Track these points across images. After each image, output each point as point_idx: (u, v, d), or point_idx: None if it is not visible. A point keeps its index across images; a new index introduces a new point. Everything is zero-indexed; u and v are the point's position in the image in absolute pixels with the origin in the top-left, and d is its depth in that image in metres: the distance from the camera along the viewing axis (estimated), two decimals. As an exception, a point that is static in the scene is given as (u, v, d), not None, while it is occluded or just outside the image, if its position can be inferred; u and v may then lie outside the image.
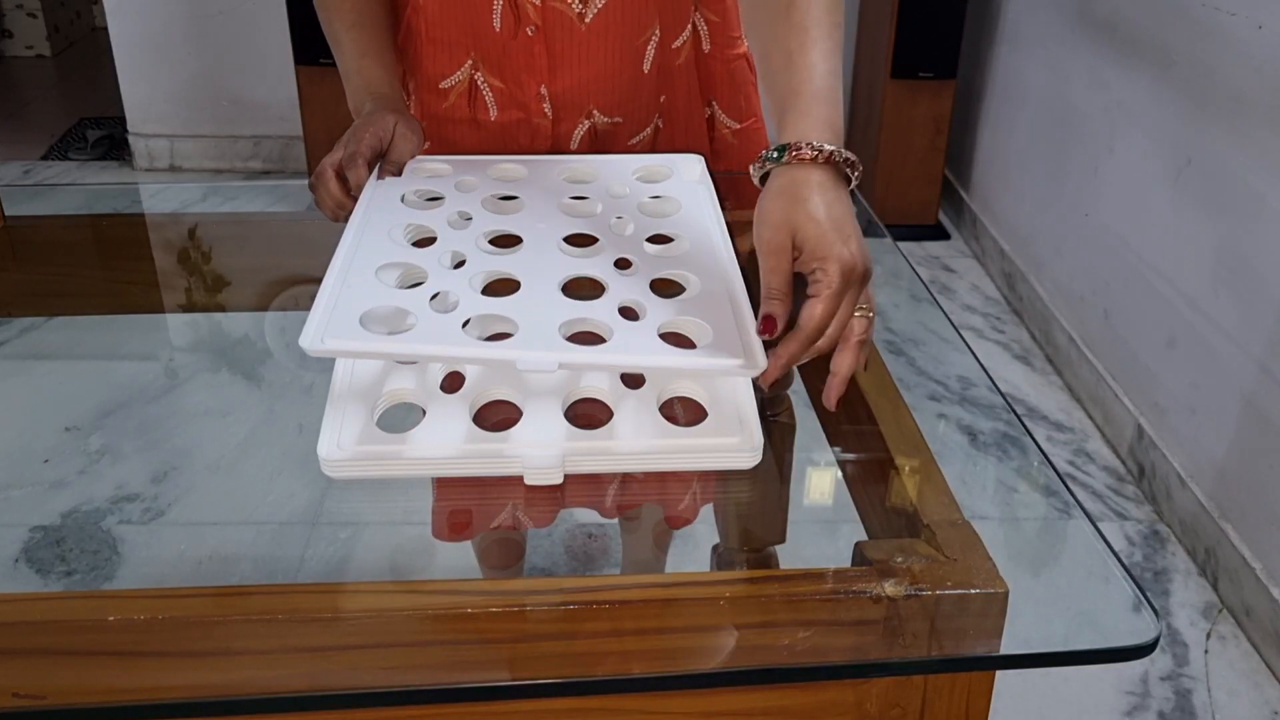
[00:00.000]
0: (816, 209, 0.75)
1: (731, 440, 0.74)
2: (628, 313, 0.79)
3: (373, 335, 0.72)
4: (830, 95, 0.81)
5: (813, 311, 0.73)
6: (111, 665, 0.65)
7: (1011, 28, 2.84)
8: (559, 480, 0.73)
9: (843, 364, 0.76)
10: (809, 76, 0.81)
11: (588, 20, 1.02)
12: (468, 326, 0.75)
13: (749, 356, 0.74)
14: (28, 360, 1.12)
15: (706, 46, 1.11)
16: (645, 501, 1.22)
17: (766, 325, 0.74)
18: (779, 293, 0.75)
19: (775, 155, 0.78)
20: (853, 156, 0.78)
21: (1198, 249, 1.95)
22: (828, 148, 0.77)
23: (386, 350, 0.73)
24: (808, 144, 0.77)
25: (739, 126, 1.17)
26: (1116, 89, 2.26)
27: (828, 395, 0.76)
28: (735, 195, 1.13)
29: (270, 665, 0.65)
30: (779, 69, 0.83)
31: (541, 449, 0.72)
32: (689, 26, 1.09)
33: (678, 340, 0.78)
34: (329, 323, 0.73)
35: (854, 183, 0.79)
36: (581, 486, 1.01)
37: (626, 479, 0.99)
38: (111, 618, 0.64)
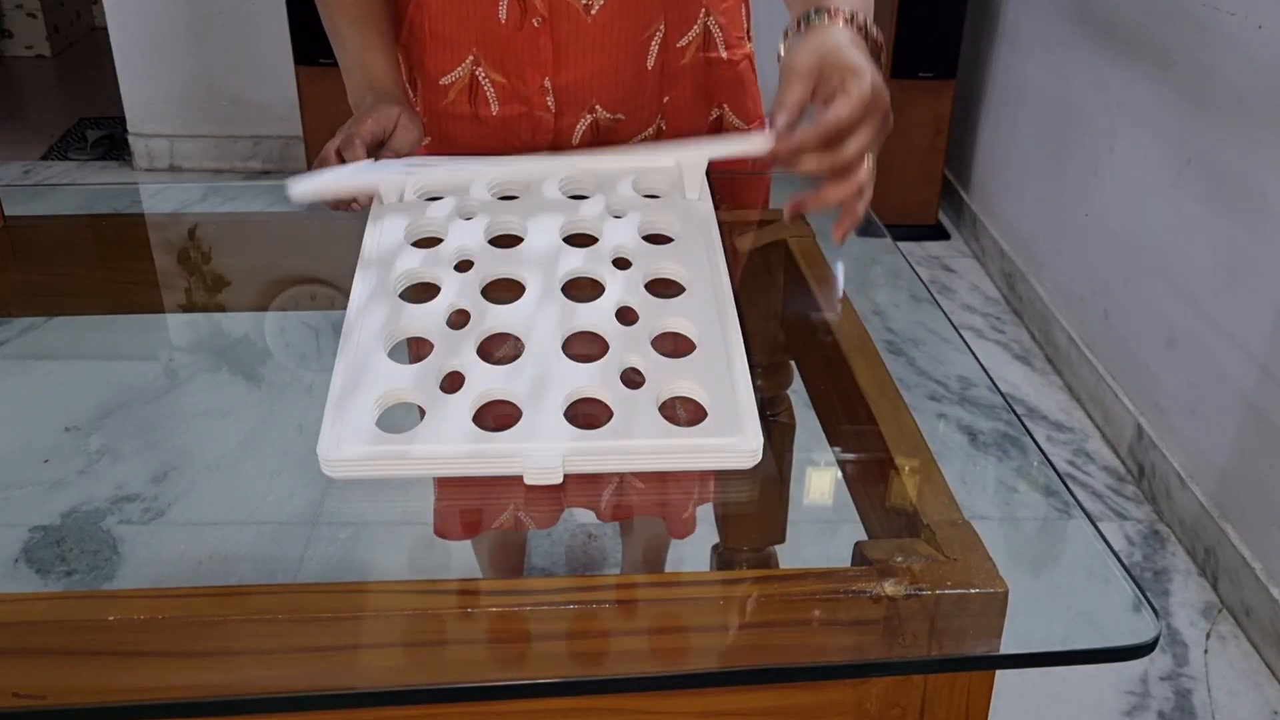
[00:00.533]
0: (849, 46, 0.78)
1: (731, 440, 0.74)
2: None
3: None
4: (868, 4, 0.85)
5: (838, 110, 0.76)
6: (111, 665, 0.65)
7: (1011, 28, 2.84)
8: (559, 480, 0.73)
9: (833, 194, 0.78)
10: None
11: (594, 12, 1.02)
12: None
13: (763, 139, 0.79)
14: (28, 360, 1.12)
15: (724, 53, 1.11)
16: (644, 513, 1.22)
17: (766, 121, 0.79)
18: (789, 106, 0.78)
19: (814, 12, 0.81)
20: (880, 39, 0.82)
21: (1198, 249, 1.95)
22: (862, 16, 0.81)
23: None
24: (847, 8, 0.81)
25: (747, 127, 1.17)
26: (1116, 89, 2.26)
27: (800, 202, 0.80)
28: (733, 195, 1.13)
29: (270, 665, 0.65)
30: None
31: (541, 449, 0.72)
32: (696, 28, 1.09)
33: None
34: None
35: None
36: (582, 488, 1.01)
37: (625, 484, 0.99)
38: (111, 618, 0.64)
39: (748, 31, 1.15)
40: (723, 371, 0.79)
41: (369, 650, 0.66)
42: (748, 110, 1.16)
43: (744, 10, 1.13)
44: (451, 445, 0.73)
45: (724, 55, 1.12)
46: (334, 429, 0.73)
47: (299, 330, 1.10)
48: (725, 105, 1.15)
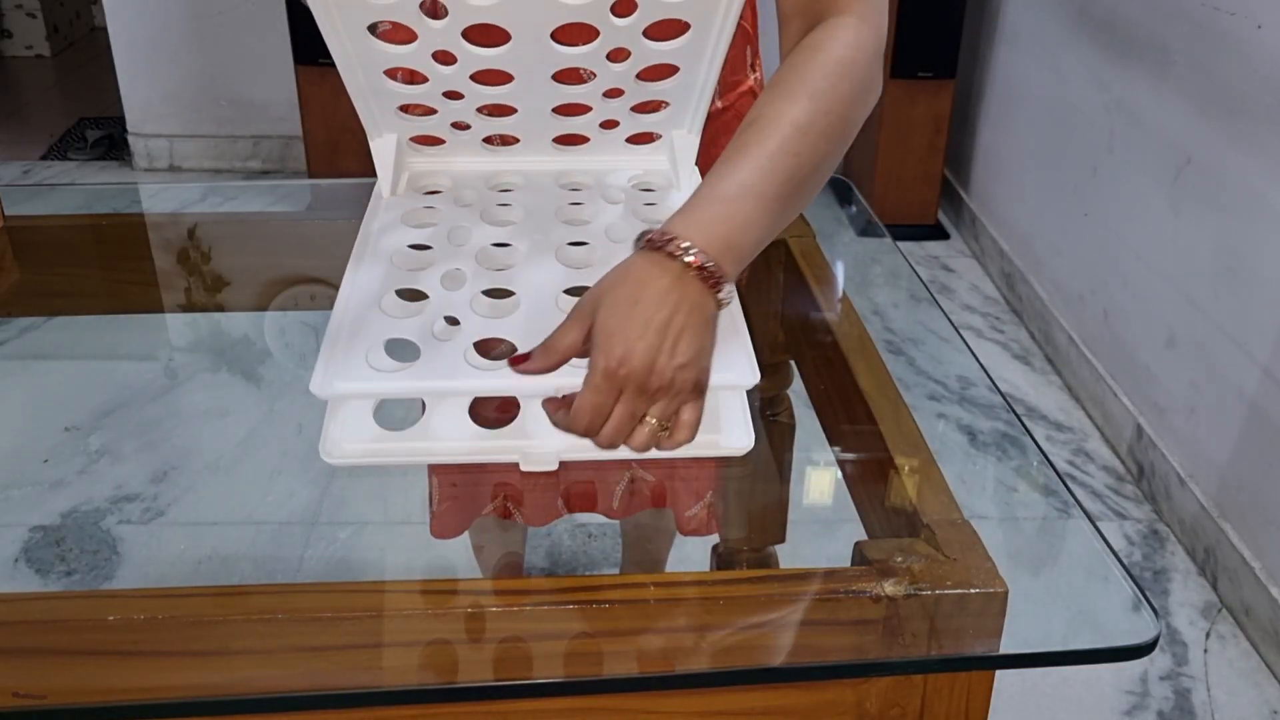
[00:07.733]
0: (632, 298, 0.67)
1: (724, 429, 0.75)
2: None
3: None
4: (749, 195, 0.71)
5: (577, 402, 0.68)
6: (111, 665, 0.65)
7: (1011, 28, 2.85)
8: (554, 466, 0.73)
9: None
10: (742, 167, 0.73)
11: None
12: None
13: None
14: (28, 360, 1.12)
15: (718, 102, 1.04)
16: (653, 505, 1.21)
17: (514, 360, 0.71)
18: (550, 349, 0.70)
19: (654, 230, 0.70)
20: (724, 280, 0.69)
21: (1197, 249, 1.95)
22: (691, 253, 0.68)
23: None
24: (670, 239, 0.68)
25: None
26: (1116, 89, 2.26)
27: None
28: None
29: (270, 665, 0.65)
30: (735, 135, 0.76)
31: (539, 444, 0.73)
32: None
33: None
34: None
35: (720, 304, 0.70)
36: (585, 485, 1.01)
37: (635, 482, 0.99)
38: (111, 618, 0.64)
39: (751, 63, 1.08)
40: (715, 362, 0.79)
41: (369, 650, 0.66)
42: None
43: (748, 48, 1.06)
44: (451, 441, 0.73)
45: (719, 104, 1.04)
46: (335, 424, 0.73)
47: (299, 330, 1.11)
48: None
